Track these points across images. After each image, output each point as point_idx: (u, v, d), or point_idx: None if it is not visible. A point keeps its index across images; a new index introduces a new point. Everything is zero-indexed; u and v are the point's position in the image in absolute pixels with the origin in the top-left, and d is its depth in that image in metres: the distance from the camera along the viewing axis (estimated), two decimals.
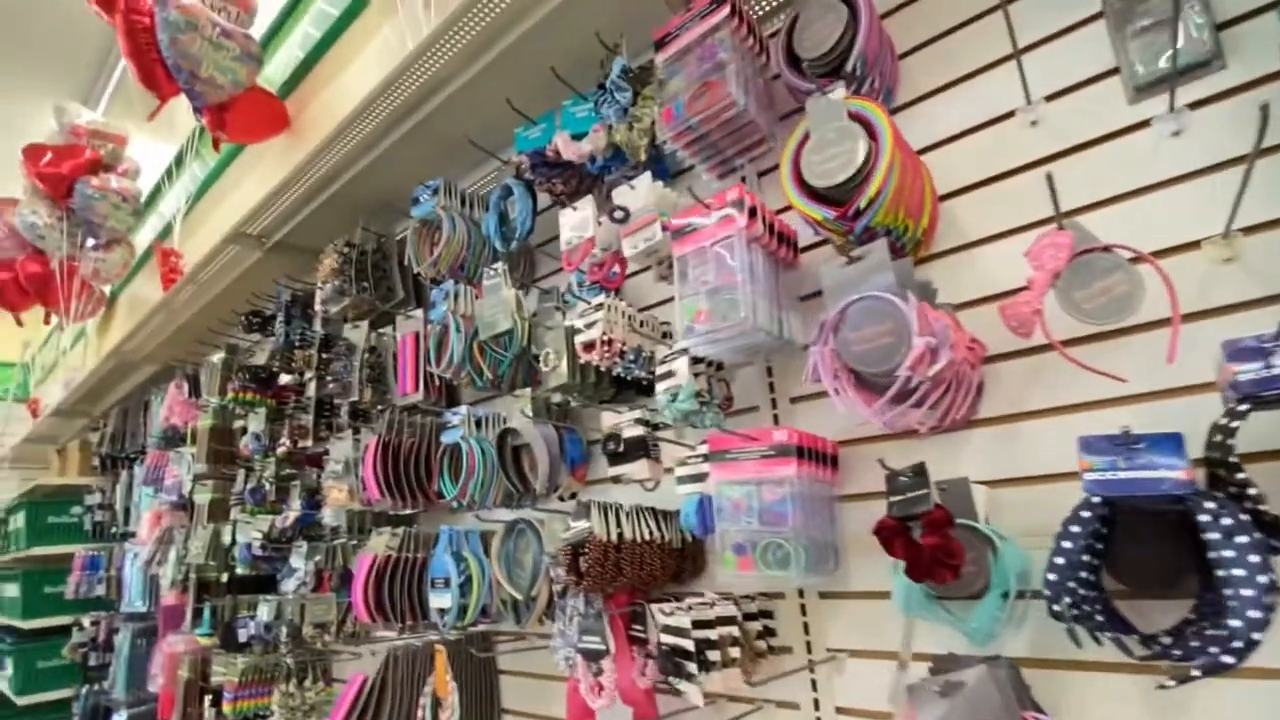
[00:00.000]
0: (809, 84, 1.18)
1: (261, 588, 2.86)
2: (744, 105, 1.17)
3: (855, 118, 1.00)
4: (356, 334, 1.92)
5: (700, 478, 1.20)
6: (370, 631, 2.31)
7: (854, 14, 1.12)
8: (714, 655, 1.10)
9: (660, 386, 1.27)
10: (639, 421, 1.33)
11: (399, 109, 1.77)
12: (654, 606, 1.13)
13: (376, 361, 1.92)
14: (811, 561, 1.05)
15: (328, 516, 2.08)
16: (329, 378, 1.89)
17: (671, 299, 1.55)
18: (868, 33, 1.10)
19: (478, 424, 1.72)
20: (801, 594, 1.29)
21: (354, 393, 1.87)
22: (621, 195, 1.29)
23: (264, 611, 2.44)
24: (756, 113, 1.21)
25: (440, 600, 1.60)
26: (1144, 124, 1.00)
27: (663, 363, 1.28)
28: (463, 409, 1.70)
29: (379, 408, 1.89)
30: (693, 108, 1.21)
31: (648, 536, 1.29)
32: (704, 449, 1.20)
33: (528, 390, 1.61)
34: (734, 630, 1.16)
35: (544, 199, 1.74)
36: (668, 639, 1.09)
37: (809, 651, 1.27)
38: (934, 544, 0.86)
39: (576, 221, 1.37)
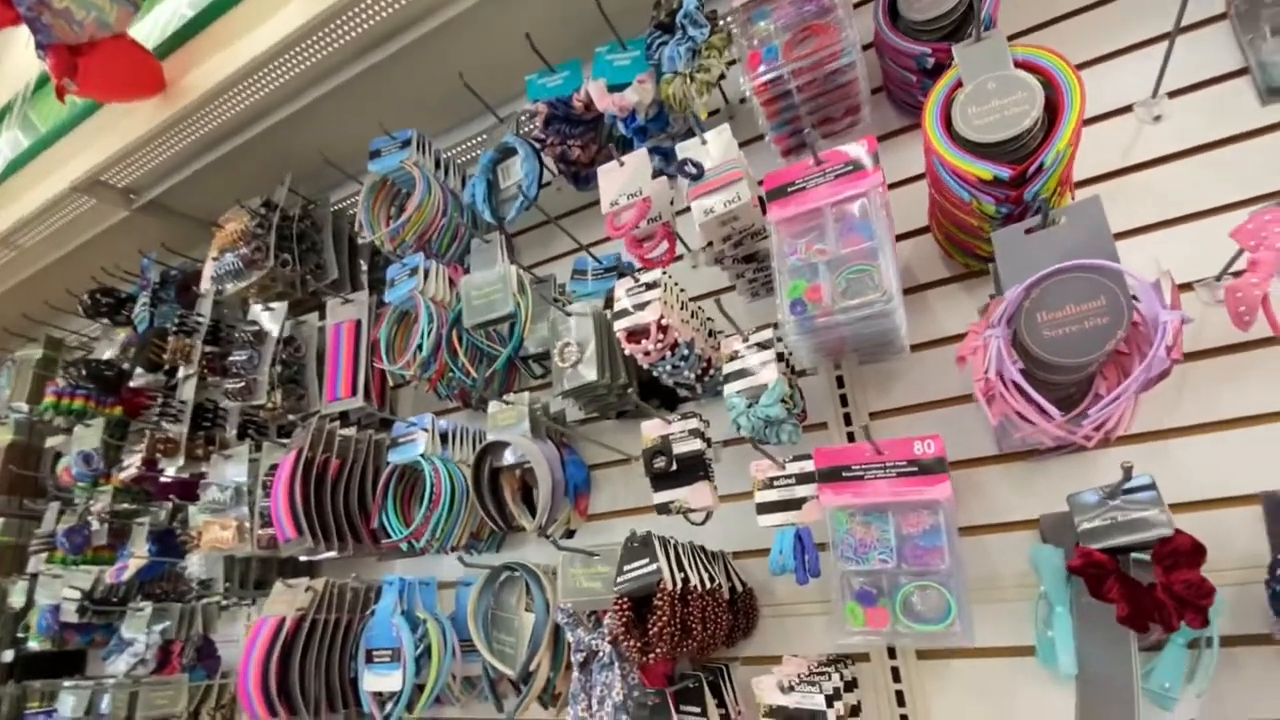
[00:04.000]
0: (917, 46, 1.03)
1: (62, 669, 2.10)
2: (854, 56, 0.99)
3: (1025, 66, 0.85)
4: (270, 318, 1.45)
5: (793, 505, 0.94)
6: None
7: None
8: None
9: (732, 388, 1.01)
10: (694, 433, 1.05)
11: (335, 57, 1.39)
12: (761, 680, 0.83)
13: (293, 356, 1.46)
14: (967, 610, 0.81)
15: (194, 566, 1.53)
16: (228, 374, 1.40)
17: (716, 292, 1.31)
18: None
19: (442, 440, 1.33)
20: (893, 654, 1.04)
21: (261, 394, 1.40)
22: (689, 150, 1.04)
23: (68, 705, 1.75)
24: (861, 72, 1.03)
25: (383, 680, 1.16)
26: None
27: (734, 358, 1.02)
28: (426, 418, 1.31)
29: (295, 416, 1.42)
30: (791, 54, 1.01)
31: (709, 584, 0.99)
32: (799, 467, 0.94)
33: (524, 395, 1.27)
34: (842, 708, 0.88)
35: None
36: None
37: None
38: (1185, 581, 0.66)
39: (626, 179, 1.10)
